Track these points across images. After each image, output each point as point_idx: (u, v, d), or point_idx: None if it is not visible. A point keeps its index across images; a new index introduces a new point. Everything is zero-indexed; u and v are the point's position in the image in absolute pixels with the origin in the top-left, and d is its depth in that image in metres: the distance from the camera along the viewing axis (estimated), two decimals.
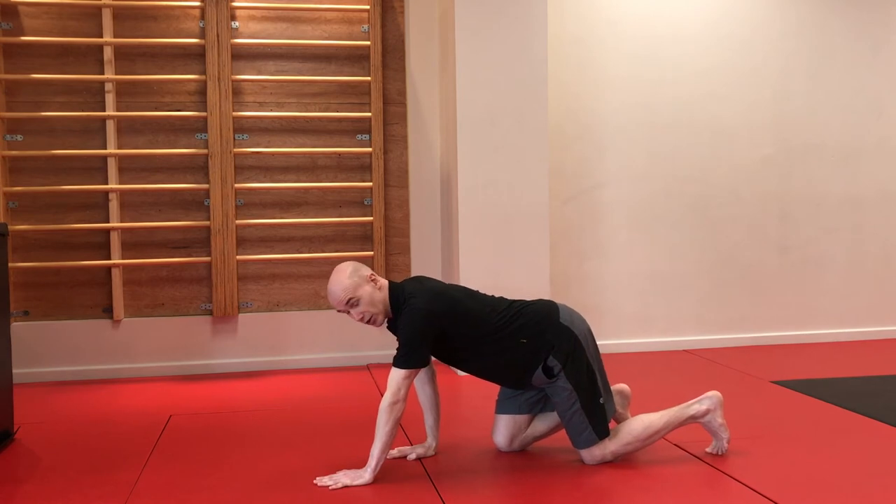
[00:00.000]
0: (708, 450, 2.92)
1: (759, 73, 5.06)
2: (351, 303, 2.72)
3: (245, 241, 4.60)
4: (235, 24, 4.54)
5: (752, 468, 2.76)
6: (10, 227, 4.28)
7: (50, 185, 4.39)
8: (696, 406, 2.87)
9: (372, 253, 4.65)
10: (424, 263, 4.78)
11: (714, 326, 5.08)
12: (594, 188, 4.92)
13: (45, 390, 4.17)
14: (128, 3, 4.40)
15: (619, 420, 3.04)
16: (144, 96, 4.48)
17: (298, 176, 4.64)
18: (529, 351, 2.77)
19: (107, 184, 4.43)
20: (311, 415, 3.54)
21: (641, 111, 4.94)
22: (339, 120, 4.65)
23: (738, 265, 5.11)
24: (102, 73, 4.42)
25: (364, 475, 2.65)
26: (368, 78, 4.61)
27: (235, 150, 4.51)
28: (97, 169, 4.45)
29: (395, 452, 2.93)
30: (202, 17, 4.49)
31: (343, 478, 2.65)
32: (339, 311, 2.78)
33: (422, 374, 2.94)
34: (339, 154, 4.65)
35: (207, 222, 4.50)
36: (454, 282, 4.46)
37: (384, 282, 2.81)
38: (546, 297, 4.38)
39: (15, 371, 4.13)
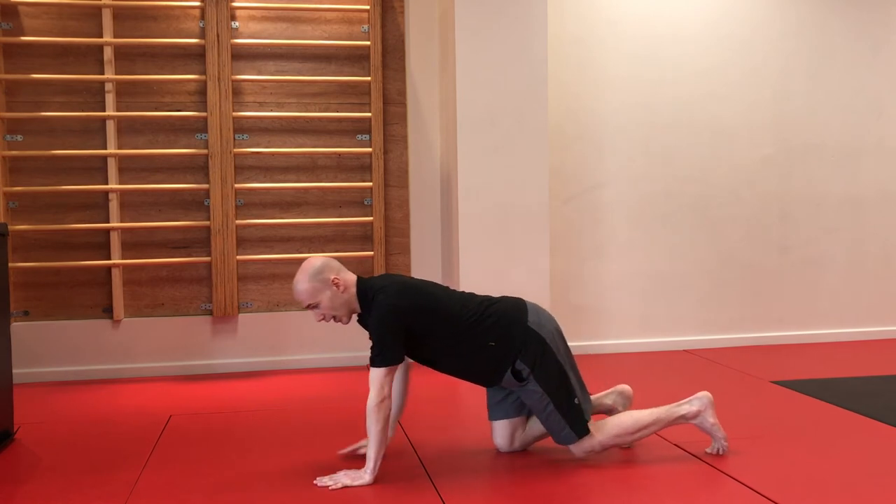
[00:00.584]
0: (708, 450, 2.92)
1: (759, 73, 5.07)
2: (311, 306, 2.75)
3: (245, 241, 4.60)
4: (235, 24, 4.54)
5: (752, 468, 2.76)
6: (10, 227, 4.28)
7: (50, 185, 4.39)
8: (687, 406, 2.87)
9: (372, 253, 4.65)
10: (424, 263, 4.78)
11: (714, 326, 5.08)
12: (594, 188, 4.92)
13: (45, 390, 4.17)
14: (128, 3, 4.40)
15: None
16: (144, 96, 4.48)
17: (298, 176, 4.63)
18: (498, 354, 2.76)
19: (107, 184, 4.43)
20: (311, 415, 3.54)
21: (641, 111, 4.94)
22: (339, 120, 4.65)
23: (738, 265, 5.11)
24: (102, 73, 4.42)
25: (364, 476, 2.65)
26: (368, 78, 4.61)
27: (235, 150, 4.51)
28: (97, 169, 4.45)
29: (347, 450, 2.91)
30: (202, 17, 4.49)
31: (343, 478, 2.65)
32: (304, 308, 2.79)
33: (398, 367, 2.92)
34: (339, 154, 4.65)
35: (207, 222, 4.50)
36: (454, 282, 4.46)
37: (351, 279, 2.79)
38: (546, 298, 4.41)
39: (15, 371, 4.13)
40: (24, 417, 3.55)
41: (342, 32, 4.67)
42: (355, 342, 4.62)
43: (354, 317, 2.86)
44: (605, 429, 2.81)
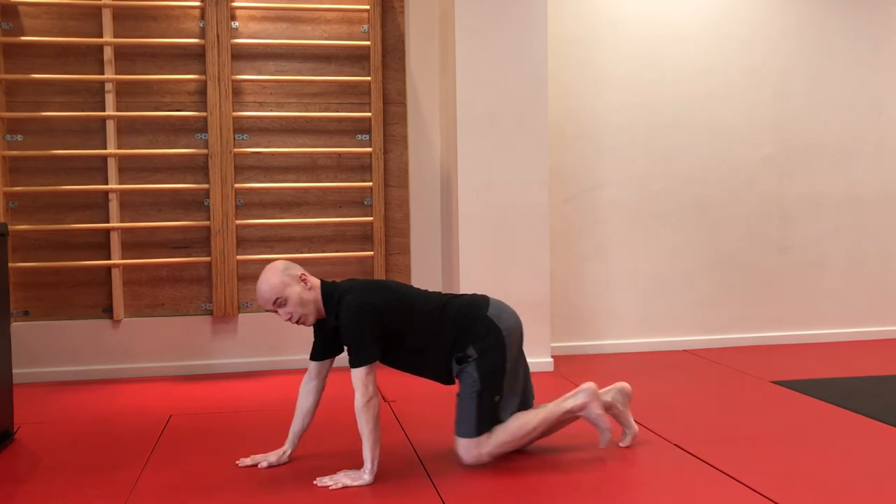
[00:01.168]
0: (601, 445, 2.90)
1: (759, 73, 5.07)
2: (279, 302, 2.71)
3: (245, 241, 4.60)
4: (235, 24, 4.54)
5: (752, 468, 2.76)
6: (10, 227, 4.28)
7: (50, 185, 4.39)
8: (572, 401, 2.87)
9: (372, 253, 4.65)
10: (424, 263, 4.79)
11: (714, 326, 5.08)
12: (594, 188, 4.92)
13: (45, 390, 4.17)
14: (128, 3, 4.40)
15: (619, 419, 3.03)
16: (144, 96, 4.48)
17: (298, 176, 4.64)
18: (457, 344, 2.79)
19: (107, 184, 4.43)
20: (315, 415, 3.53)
21: (641, 111, 4.94)
22: (339, 120, 4.65)
23: (738, 265, 5.11)
24: (102, 73, 4.42)
25: (363, 476, 2.65)
26: (368, 78, 4.61)
27: (235, 150, 4.51)
28: (97, 169, 4.45)
29: (247, 461, 2.87)
30: (202, 17, 4.49)
31: (343, 478, 2.65)
32: (267, 310, 2.75)
33: (312, 385, 2.90)
34: (339, 154, 4.65)
35: (207, 222, 4.51)
36: (455, 282, 4.47)
37: (315, 281, 2.79)
38: (546, 298, 4.41)
39: (15, 371, 4.14)
40: (24, 417, 3.55)
41: (342, 32, 4.67)
42: None
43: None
44: (494, 436, 2.79)
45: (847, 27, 5.16)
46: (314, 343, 2.90)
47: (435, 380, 2.92)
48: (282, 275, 2.71)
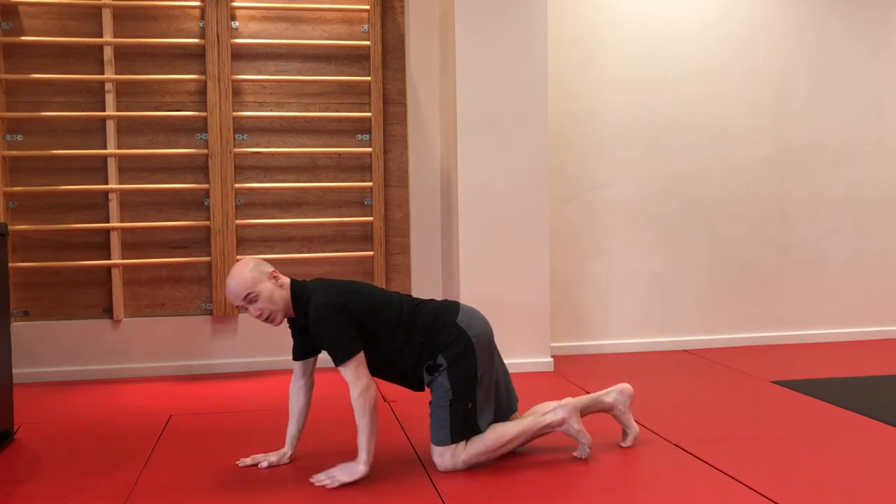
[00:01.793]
0: (574, 454, 2.89)
1: (759, 73, 5.07)
2: (249, 298, 2.68)
3: (245, 241, 4.60)
4: (235, 24, 4.54)
5: (753, 468, 2.76)
6: (10, 227, 4.28)
7: (50, 185, 4.39)
8: (551, 416, 2.84)
9: (372, 253, 4.65)
10: (424, 263, 4.79)
11: (714, 326, 5.08)
12: (594, 188, 4.92)
13: (45, 390, 4.17)
14: (128, 3, 4.40)
15: (620, 420, 3.03)
16: (144, 96, 4.48)
17: (298, 176, 4.64)
18: (425, 351, 2.76)
19: (107, 184, 4.43)
20: (311, 414, 3.53)
21: (641, 111, 4.94)
22: (339, 120, 4.65)
23: (738, 265, 5.11)
24: (102, 73, 4.42)
25: (359, 468, 2.64)
26: (368, 78, 4.61)
27: (235, 150, 4.51)
28: (97, 169, 4.45)
29: (247, 461, 2.88)
30: (202, 17, 4.49)
31: (339, 474, 2.64)
32: (236, 306, 2.75)
33: (300, 384, 2.90)
34: (339, 154, 4.65)
35: (207, 222, 4.51)
36: (455, 282, 4.47)
37: (286, 280, 2.77)
38: (544, 297, 4.41)
39: (15, 371, 4.14)
40: (24, 417, 3.55)
41: (342, 32, 4.67)
42: None
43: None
44: (469, 446, 2.77)
45: (847, 27, 5.16)
46: (294, 343, 2.89)
47: (405, 386, 2.88)
48: (253, 270, 2.70)
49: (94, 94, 4.44)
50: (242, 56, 4.57)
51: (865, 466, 2.77)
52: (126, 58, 4.46)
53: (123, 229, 4.45)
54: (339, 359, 2.64)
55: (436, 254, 4.82)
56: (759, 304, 5.14)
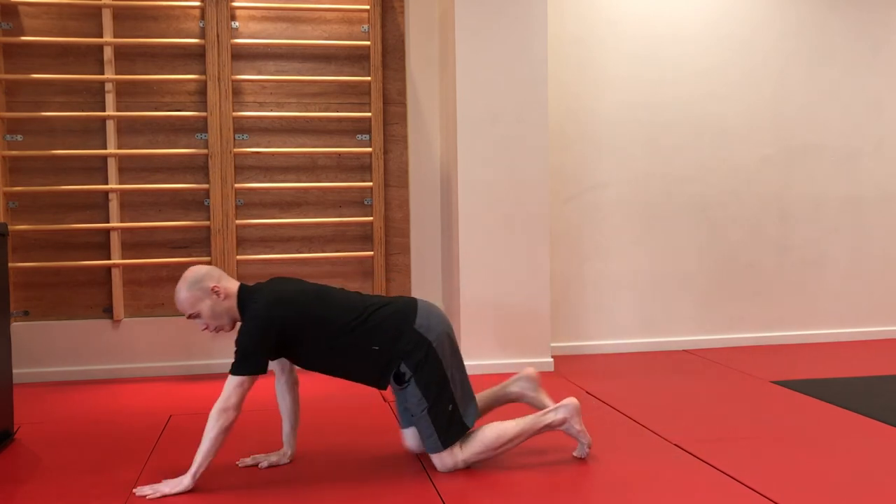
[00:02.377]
0: (574, 454, 2.89)
1: (759, 73, 5.07)
2: (192, 317, 2.69)
3: (245, 241, 4.60)
4: (235, 24, 4.54)
5: (752, 468, 2.76)
6: (10, 227, 4.28)
7: (50, 185, 4.39)
8: (552, 415, 2.82)
9: (372, 253, 4.65)
10: (424, 263, 4.79)
11: (714, 326, 5.08)
12: (594, 188, 4.92)
13: (45, 390, 4.17)
14: (128, 3, 4.40)
15: (534, 405, 3.01)
16: (144, 96, 4.48)
17: (298, 176, 4.64)
18: (382, 358, 2.71)
19: (107, 184, 4.43)
20: (311, 415, 3.54)
21: (641, 111, 4.95)
22: (339, 120, 4.65)
23: (738, 265, 5.11)
24: (102, 73, 4.42)
25: (183, 481, 2.59)
26: (368, 78, 4.61)
27: (235, 150, 4.51)
28: (97, 169, 4.45)
29: (248, 461, 2.87)
30: (202, 17, 4.49)
31: (163, 486, 2.59)
32: (186, 318, 2.73)
33: (282, 382, 2.89)
34: (339, 154, 4.65)
35: (207, 222, 4.51)
36: (455, 282, 4.47)
37: (232, 288, 2.72)
38: (544, 297, 4.41)
39: (15, 371, 4.14)
40: (24, 417, 3.55)
41: (342, 32, 4.67)
42: None
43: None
44: (469, 445, 2.76)
45: (847, 27, 5.16)
46: None
47: (369, 385, 2.83)
48: (192, 290, 2.67)
49: (94, 94, 4.44)
50: (242, 56, 4.57)
51: (865, 466, 2.77)
52: (126, 58, 4.46)
53: (123, 229, 4.45)
54: (234, 369, 2.59)
55: (436, 254, 4.82)
56: (759, 304, 5.14)
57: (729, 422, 3.35)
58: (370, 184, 4.64)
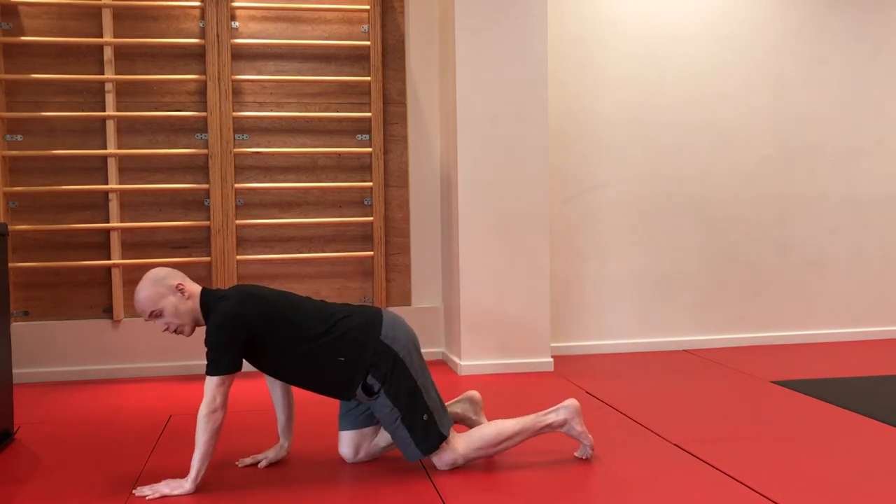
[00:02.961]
0: (576, 454, 2.88)
1: (759, 73, 5.07)
2: (154, 314, 2.65)
3: (245, 241, 4.60)
4: (235, 24, 4.54)
5: (752, 468, 2.76)
6: (10, 227, 4.28)
7: (50, 185, 4.39)
8: (553, 416, 2.82)
9: (372, 253, 4.65)
10: (424, 263, 4.79)
11: (714, 326, 5.08)
12: (594, 188, 4.92)
13: (45, 390, 4.17)
14: (128, 3, 4.40)
15: (473, 426, 2.98)
16: (144, 96, 4.48)
17: (298, 176, 4.64)
18: (348, 369, 2.69)
19: (107, 184, 4.43)
20: (311, 414, 3.54)
21: (641, 111, 4.95)
22: (339, 120, 4.65)
23: (738, 265, 5.11)
24: (102, 73, 4.42)
25: (184, 485, 2.59)
26: (368, 78, 4.61)
27: (235, 150, 4.51)
28: (97, 169, 4.45)
29: (248, 460, 2.86)
30: (202, 17, 4.49)
31: (163, 488, 2.59)
32: (146, 320, 2.69)
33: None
34: (339, 154, 4.65)
35: (207, 222, 4.51)
36: (455, 282, 4.47)
37: (195, 290, 2.71)
38: (544, 297, 4.41)
39: (15, 371, 4.14)
40: (24, 417, 3.55)
41: (342, 32, 4.67)
42: None
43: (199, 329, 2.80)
44: (469, 442, 2.76)
45: (847, 27, 5.16)
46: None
47: (334, 396, 2.81)
48: (156, 286, 2.65)
49: (94, 94, 4.44)
50: (242, 56, 4.57)
51: (865, 466, 2.77)
52: (126, 58, 4.46)
53: (123, 229, 4.45)
54: (211, 370, 2.58)
55: (436, 254, 4.82)
56: (759, 304, 5.14)
57: (729, 422, 3.35)
58: (370, 184, 4.64)
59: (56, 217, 4.42)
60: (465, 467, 2.80)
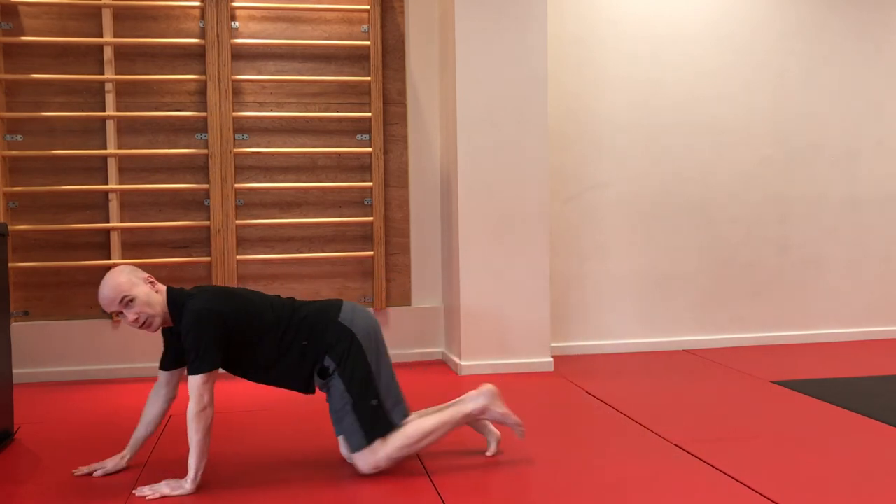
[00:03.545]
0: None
1: (760, 73, 5.07)
2: (125, 301, 2.61)
3: (245, 241, 4.60)
4: (235, 24, 4.54)
5: (752, 468, 2.76)
6: (10, 227, 4.28)
7: (50, 185, 4.39)
8: (472, 404, 2.82)
9: (372, 253, 4.65)
10: (424, 263, 4.79)
11: (714, 326, 5.08)
12: (594, 188, 4.92)
13: (45, 390, 4.17)
14: (128, 3, 4.40)
15: (477, 427, 2.96)
16: (144, 96, 4.48)
17: (298, 176, 4.64)
18: (310, 355, 2.71)
19: (107, 184, 4.43)
20: (311, 414, 3.54)
21: (641, 111, 4.95)
22: (339, 120, 4.65)
23: (738, 265, 5.11)
24: (102, 73, 4.42)
25: (185, 486, 2.59)
26: (368, 78, 4.61)
27: (235, 150, 4.51)
28: (97, 169, 4.45)
29: (84, 469, 2.81)
30: (202, 17, 4.49)
31: (163, 488, 2.59)
32: (111, 311, 2.64)
33: (162, 392, 2.83)
34: (339, 154, 4.65)
35: (207, 222, 4.51)
36: (455, 282, 4.47)
37: (162, 287, 2.73)
38: (544, 297, 4.41)
39: (15, 371, 4.14)
40: (24, 417, 3.55)
41: (342, 32, 4.67)
42: None
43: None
44: (390, 441, 2.73)
45: (847, 27, 5.16)
46: (164, 352, 2.82)
47: (294, 389, 2.81)
48: (129, 275, 2.66)
49: (94, 94, 4.44)
50: (242, 56, 4.57)
51: (865, 466, 2.77)
52: (126, 58, 4.46)
53: (123, 229, 4.45)
54: (195, 368, 2.57)
55: (436, 254, 4.82)
56: (759, 304, 5.14)
57: (729, 422, 3.35)
58: (370, 184, 4.64)
59: (56, 217, 4.42)
60: (467, 469, 2.80)
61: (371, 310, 2.90)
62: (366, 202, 4.70)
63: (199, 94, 4.52)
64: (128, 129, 4.48)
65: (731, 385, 4.03)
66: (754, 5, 5.05)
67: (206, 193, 4.52)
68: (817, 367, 4.42)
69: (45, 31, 4.39)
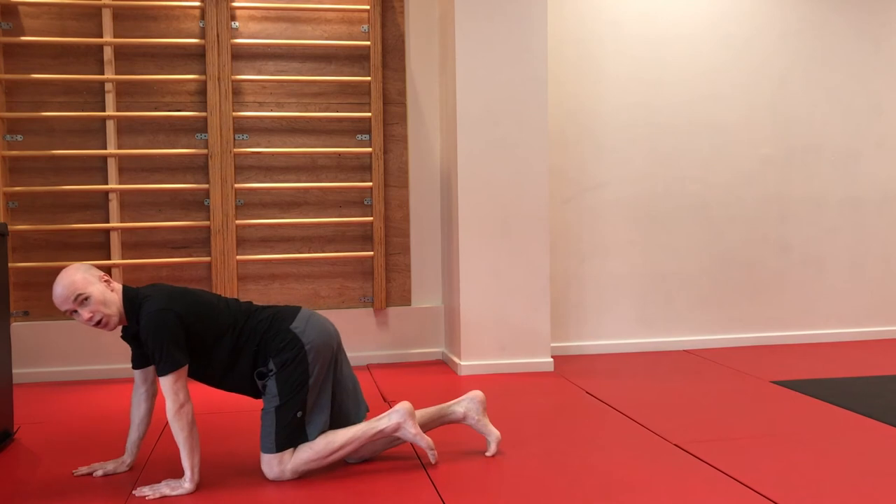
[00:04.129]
0: (430, 461, 2.84)
1: (759, 73, 5.07)
2: (80, 299, 2.57)
3: (245, 241, 4.60)
4: (235, 24, 4.54)
5: (752, 468, 2.76)
6: (10, 227, 4.28)
7: (50, 185, 4.39)
8: (386, 420, 2.78)
9: (372, 253, 4.65)
10: (424, 263, 4.79)
11: (714, 326, 5.08)
12: (594, 188, 4.92)
13: (45, 390, 4.17)
14: (128, 3, 4.40)
15: (478, 428, 2.96)
16: (144, 96, 4.48)
17: (298, 176, 4.64)
18: (259, 356, 2.72)
19: (107, 184, 4.43)
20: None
21: (641, 111, 4.95)
22: (339, 120, 4.65)
23: (738, 265, 5.11)
24: (102, 73, 4.42)
25: (184, 485, 2.60)
26: (368, 78, 4.61)
27: (235, 150, 4.51)
28: (97, 169, 4.45)
29: (84, 469, 2.82)
30: (202, 17, 4.49)
31: (163, 488, 2.59)
32: (65, 310, 2.62)
33: (141, 391, 2.83)
34: (339, 154, 4.65)
35: (207, 222, 4.51)
36: (454, 282, 4.47)
37: (118, 286, 2.70)
38: (544, 297, 4.41)
39: (15, 371, 4.15)
40: (24, 417, 3.55)
41: (342, 32, 4.67)
42: (355, 343, 4.63)
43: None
44: (298, 454, 2.71)
45: (847, 27, 5.16)
46: (132, 352, 2.81)
47: (244, 394, 2.82)
48: (84, 273, 2.63)
49: (94, 94, 4.44)
50: (242, 56, 4.57)
51: (865, 466, 2.77)
52: (126, 58, 4.46)
53: (123, 229, 4.45)
54: (163, 369, 2.57)
55: (436, 254, 4.82)
56: (759, 304, 5.14)
57: (729, 422, 3.35)
58: (370, 184, 4.64)
59: (56, 217, 4.42)
60: (467, 469, 2.80)
61: (329, 320, 2.86)
62: (366, 202, 4.70)
63: (199, 94, 4.52)
64: (128, 129, 4.48)
65: (731, 385, 4.03)
66: (754, 5, 5.05)
67: (206, 193, 4.52)
68: (817, 367, 4.42)
69: (45, 31, 4.39)
